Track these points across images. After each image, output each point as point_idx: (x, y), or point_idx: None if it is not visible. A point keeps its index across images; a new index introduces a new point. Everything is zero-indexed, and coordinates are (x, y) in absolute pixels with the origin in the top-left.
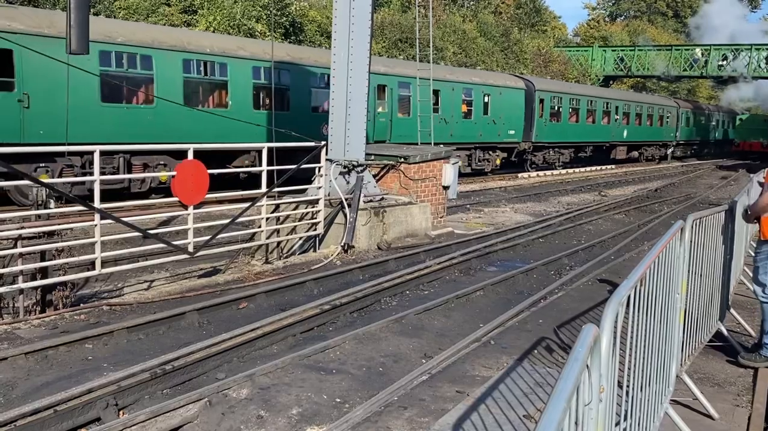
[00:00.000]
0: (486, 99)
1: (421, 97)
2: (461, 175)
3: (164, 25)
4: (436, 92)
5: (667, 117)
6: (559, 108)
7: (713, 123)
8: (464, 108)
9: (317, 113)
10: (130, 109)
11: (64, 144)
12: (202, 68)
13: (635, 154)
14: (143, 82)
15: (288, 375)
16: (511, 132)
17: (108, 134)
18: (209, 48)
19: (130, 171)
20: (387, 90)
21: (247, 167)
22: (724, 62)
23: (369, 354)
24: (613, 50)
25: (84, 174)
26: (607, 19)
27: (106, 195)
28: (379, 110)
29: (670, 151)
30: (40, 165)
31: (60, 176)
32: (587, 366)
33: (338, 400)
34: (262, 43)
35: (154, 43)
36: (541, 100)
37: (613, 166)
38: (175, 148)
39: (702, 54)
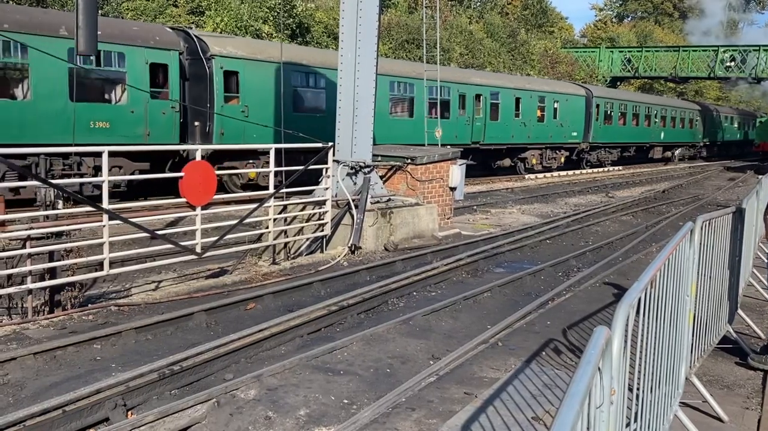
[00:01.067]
0: (555, 105)
1: (429, 98)
2: (539, 173)
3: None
4: (518, 99)
5: (696, 120)
6: (610, 112)
7: (735, 125)
8: (539, 113)
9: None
10: (310, 117)
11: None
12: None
13: (668, 154)
14: (319, 95)
15: (296, 376)
16: (574, 134)
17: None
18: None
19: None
20: (482, 99)
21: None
22: (732, 63)
23: (376, 355)
24: (620, 51)
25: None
26: (614, 20)
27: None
28: (477, 115)
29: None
30: (249, 161)
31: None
32: (599, 368)
33: (346, 401)
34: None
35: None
36: (597, 106)
37: (620, 167)
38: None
39: (732, 58)
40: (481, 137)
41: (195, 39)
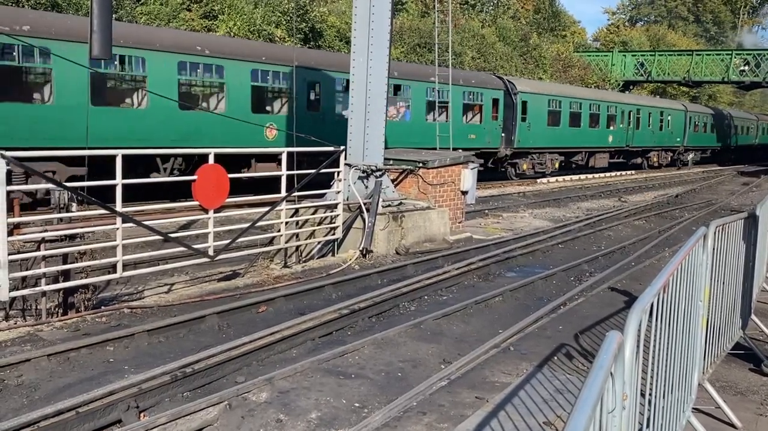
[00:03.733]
0: (669, 118)
1: (443, 101)
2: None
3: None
4: (649, 114)
5: (751, 127)
6: (697, 123)
7: None
8: (659, 124)
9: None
10: (554, 129)
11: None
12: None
13: (733, 156)
14: (561, 113)
15: (307, 379)
16: (678, 139)
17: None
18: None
19: None
20: (631, 114)
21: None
22: (746, 68)
23: (388, 359)
24: (633, 55)
25: None
26: (627, 23)
27: None
28: (628, 126)
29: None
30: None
31: None
32: (611, 373)
33: (357, 405)
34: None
35: (565, 94)
36: (690, 117)
37: (631, 172)
38: None
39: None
40: (631, 141)
41: (507, 82)
